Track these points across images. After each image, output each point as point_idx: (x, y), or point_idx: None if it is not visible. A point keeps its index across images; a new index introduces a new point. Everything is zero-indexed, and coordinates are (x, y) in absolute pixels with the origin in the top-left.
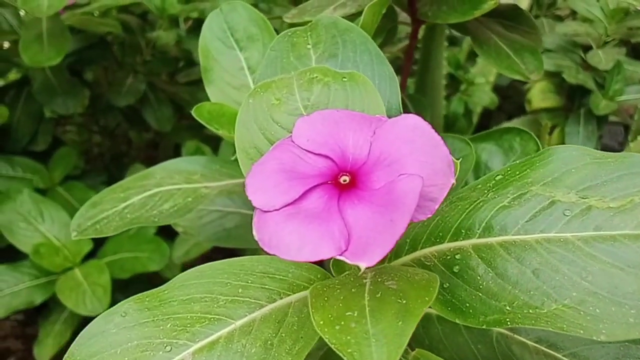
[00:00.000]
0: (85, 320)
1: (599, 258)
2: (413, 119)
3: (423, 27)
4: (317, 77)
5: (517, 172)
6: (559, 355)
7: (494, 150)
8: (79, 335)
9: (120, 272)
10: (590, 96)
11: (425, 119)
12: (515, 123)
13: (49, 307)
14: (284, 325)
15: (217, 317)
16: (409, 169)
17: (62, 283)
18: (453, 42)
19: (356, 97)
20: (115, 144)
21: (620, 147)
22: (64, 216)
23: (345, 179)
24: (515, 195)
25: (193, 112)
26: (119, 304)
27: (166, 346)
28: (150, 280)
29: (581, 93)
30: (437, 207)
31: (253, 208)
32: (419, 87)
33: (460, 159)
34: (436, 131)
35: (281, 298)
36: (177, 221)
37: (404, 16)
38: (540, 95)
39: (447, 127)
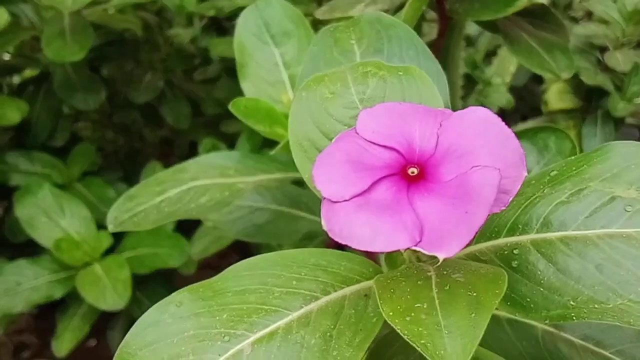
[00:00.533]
0: (104, 316)
1: None
2: (483, 111)
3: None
4: (371, 70)
5: (574, 168)
6: (606, 353)
7: (528, 148)
8: (134, 325)
9: (139, 267)
10: (609, 98)
11: None
12: (530, 124)
13: (65, 301)
14: (341, 317)
15: (273, 308)
16: (481, 161)
17: (82, 278)
18: (469, 42)
19: (413, 91)
20: (130, 141)
21: None
22: (84, 211)
23: (413, 170)
24: (573, 191)
25: (230, 107)
26: (172, 294)
27: (224, 336)
28: (167, 277)
29: (598, 94)
30: (510, 199)
31: (285, 204)
32: None
33: None
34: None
35: (335, 291)
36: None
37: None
38: (557, 97)
39: None
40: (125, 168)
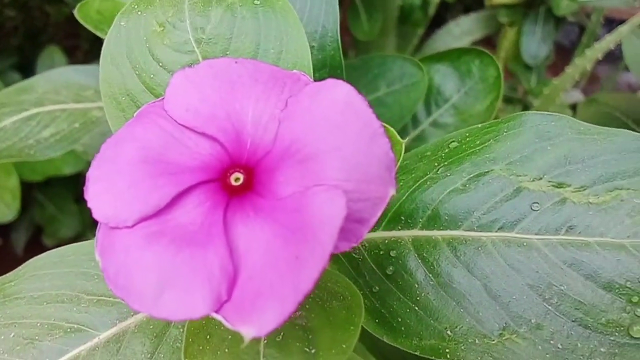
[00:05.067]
0: None
1: (570, 274)
2: (343, 92)
3: None
4: None
5: (477, 142)
6: None
7: (449, 72)
8: None
9: (31, 174)
10: None
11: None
12: (471, 18)
13: None
14: (164, 340)
15: (76, 326)
16: (330, 172)
17: None
18: None
19: (272, 30)
20: (30, 19)
21: (571, 46)
22: None
23: (237, 177)
24: (472, 176)
25: (76, 13)
26: None
27: None
28: (74, 180)
29: None
30: (366, 231)
31: None
32: None
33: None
34: (372, 110)
35: None
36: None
37: None
38: None
39: (402, 19)
40: (23, 52)
